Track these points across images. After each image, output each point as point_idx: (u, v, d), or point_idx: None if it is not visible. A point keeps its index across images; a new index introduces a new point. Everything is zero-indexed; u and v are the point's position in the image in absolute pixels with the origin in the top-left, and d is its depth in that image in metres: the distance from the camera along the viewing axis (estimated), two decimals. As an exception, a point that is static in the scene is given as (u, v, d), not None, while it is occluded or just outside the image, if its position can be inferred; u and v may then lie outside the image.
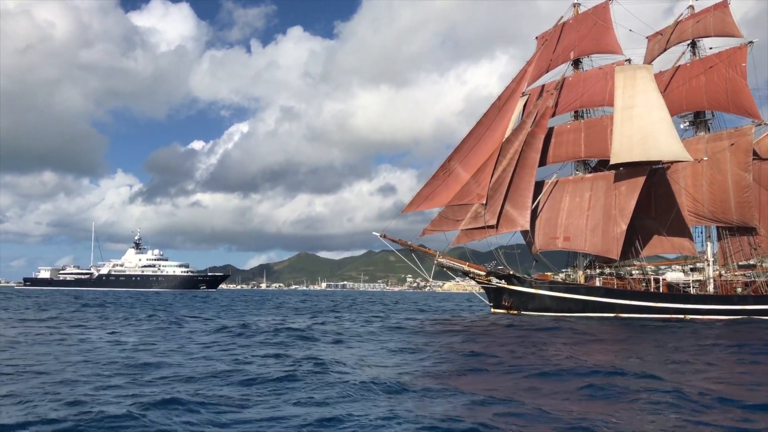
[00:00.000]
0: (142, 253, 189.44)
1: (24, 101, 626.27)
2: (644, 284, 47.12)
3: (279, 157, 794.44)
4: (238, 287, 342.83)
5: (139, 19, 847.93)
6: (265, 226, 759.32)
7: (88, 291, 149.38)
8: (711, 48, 49.60)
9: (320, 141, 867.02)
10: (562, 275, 50.87)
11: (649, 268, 49.50)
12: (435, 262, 47.99)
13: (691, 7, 51.32)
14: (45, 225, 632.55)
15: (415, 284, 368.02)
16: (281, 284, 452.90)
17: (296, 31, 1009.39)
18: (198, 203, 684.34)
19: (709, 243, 49.27)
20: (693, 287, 46.68)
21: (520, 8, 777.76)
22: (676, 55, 51.38)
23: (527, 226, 48.19)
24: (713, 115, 50.19)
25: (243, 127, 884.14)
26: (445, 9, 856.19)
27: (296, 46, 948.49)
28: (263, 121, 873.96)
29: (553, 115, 50.33)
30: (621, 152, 45.37)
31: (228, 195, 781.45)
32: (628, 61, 47.74)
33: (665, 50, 51.94)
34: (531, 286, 47.21)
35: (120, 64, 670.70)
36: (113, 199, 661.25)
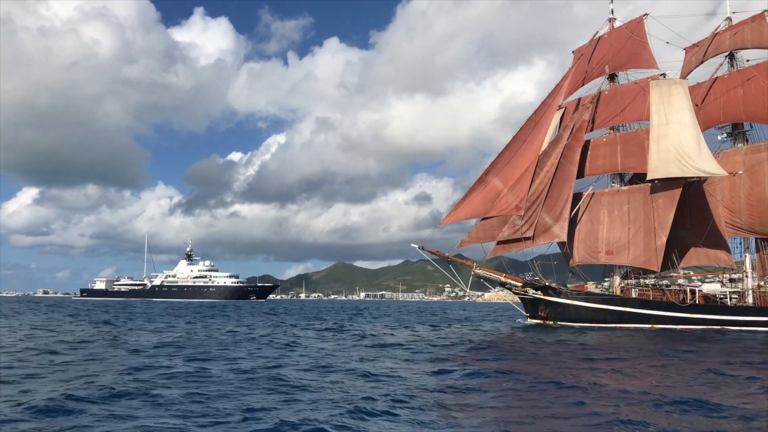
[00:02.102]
0: (193, 265, 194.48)
1: (69, 116, 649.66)
2: (681, 296, 47.36)
3: (315, 167, 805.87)
4: (278, 297, 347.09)
5: (180, 34, 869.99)
6: (301, 235, 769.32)
7: (148, 302, 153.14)
8: (748, 60, 49.80)
9: (355, 151, 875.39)
10: (600, 286, 51.36)
11: (695, 278, 49.55)
12: (472, 273, 49.19)
13: (729, 18, 51.59)
14: (88, 237, 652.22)
15: (453, 294, 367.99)
16: (320, 294, 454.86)
17: (333, 43, 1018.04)
18: (236, 214, 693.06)
19: (747, 254, 49.17)
20: (730, 298, 46.71)
21: (556, 15, 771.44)
22: (714, 66, 51.72)
23: (564, 238, 48.99)
24: (751, 127, 50.23)
25: (280, 138, 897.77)
26: (479, 17, 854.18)
27: (333, 58, 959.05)
28: (299, 132, 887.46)
29: (591, 130, 51.13)
30: (658, 168, 45.91)
31: (265, 205, 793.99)
32: (663, 75, 48.22)
33: (703, 62, 52.24)
34: (567, 297, 48.02)
35: (161, 79, 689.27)
36: (154, 211, 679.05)
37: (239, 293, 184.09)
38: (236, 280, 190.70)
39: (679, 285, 48.40)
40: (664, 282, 48.29)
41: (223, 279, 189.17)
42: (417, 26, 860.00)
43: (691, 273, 49.96)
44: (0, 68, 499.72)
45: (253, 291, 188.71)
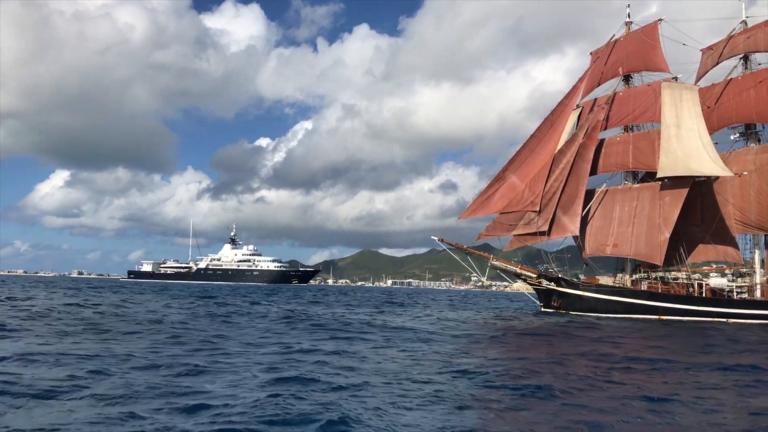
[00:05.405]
0: (237, 249, 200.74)
1: (98, 100, 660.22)
2: (690, 289, 49.59)
3: (341, 154, 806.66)
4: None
5: (211, 20, 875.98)
6: (326, 222, 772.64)
7: (195, 284, 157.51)
8: (760, 64, 51.42)
9: (381, 138, 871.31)
10: (611, 279, 53.85)
11: (696, 273, 51.72)
12: (489, 264, 52.24)
13: (744, 22, 53.13)
14: (117, 219, 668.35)
15: (480, 283, 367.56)
16: (347, 281, 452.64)
17: (363, 29, 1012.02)
18: (262, 199, 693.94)
19: (757, 250, 51.06)
20: (737, 292, 48.80)
21: (588, 2, 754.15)
22: (729, 68, 53.42)
23: (577, 232, 51.58)
24: (764, 128, 51.89)
25: (307, 124, 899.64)
26: (509, 4, 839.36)
27: (362, 44, 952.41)
28: (326, 119, 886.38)
29: (605, 129, 53.52)
30: (667, 166, 48.17)
31: (291, 192, 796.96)
32: (675, 78, 50.29)
33: (718, 63, 53.95)
34: (578, 289, 50.74)
35: (192, 65, 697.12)
36: (183, 195, 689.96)
37: (282, 277, 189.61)
38: (279, 264, 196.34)
39: (688, 278, 50.58)
40: (672, 275, 50.51)
41: (266, 263, 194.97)
42: (446, 13, 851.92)
43: (689, 268, 51.77)
44: (33, 51, 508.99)
45: (296, 275, 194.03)
